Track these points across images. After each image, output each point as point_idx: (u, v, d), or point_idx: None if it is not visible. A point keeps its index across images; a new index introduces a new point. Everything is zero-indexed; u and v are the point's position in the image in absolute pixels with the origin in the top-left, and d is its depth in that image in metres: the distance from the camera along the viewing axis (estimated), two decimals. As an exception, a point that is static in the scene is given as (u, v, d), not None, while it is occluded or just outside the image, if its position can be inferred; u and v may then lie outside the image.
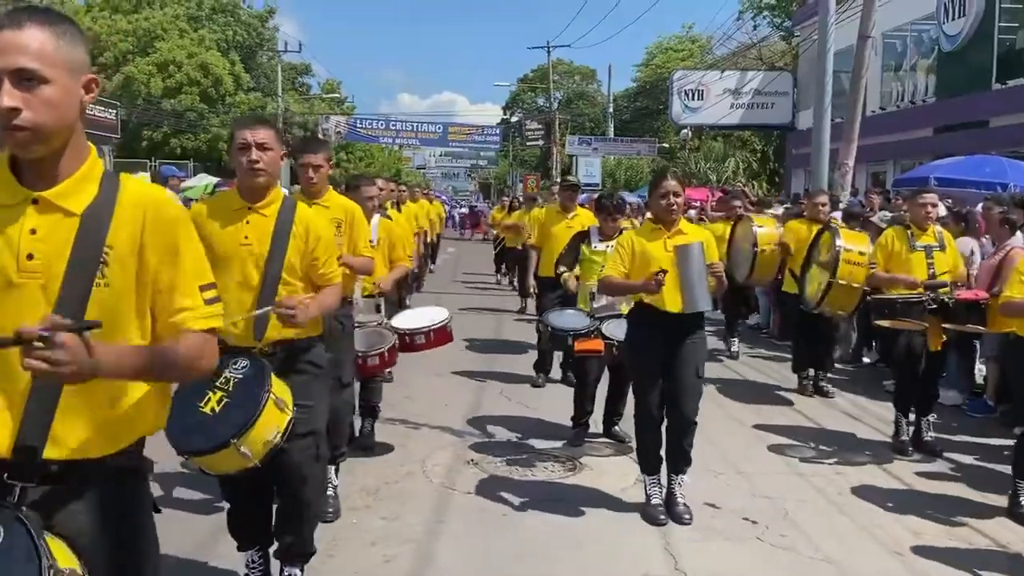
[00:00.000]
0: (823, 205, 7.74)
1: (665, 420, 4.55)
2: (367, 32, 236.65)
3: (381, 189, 7.40)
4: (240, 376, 2.87)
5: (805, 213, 8.10)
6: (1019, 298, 4.48)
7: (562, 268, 6.11)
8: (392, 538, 4.21)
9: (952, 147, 17.16)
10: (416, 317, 5.44)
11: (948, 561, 4.08)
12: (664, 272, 4.21)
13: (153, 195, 1.79)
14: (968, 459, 5.78)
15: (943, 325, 5.64)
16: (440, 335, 5.31)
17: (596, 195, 6.65)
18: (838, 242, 6.55)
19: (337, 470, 4.55)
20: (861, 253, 6.52)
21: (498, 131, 41.51)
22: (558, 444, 5.84)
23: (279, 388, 2.90)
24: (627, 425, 5.33)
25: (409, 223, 8.91)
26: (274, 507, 3.44)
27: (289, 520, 3.37)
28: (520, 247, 11.51)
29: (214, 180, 13.59)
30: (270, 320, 3.04)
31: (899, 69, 21.96)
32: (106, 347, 1.61)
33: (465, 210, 40.30)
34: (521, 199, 13.91)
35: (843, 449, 5.95)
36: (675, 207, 4.49)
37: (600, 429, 6.01)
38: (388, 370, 6.19)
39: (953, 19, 18.12)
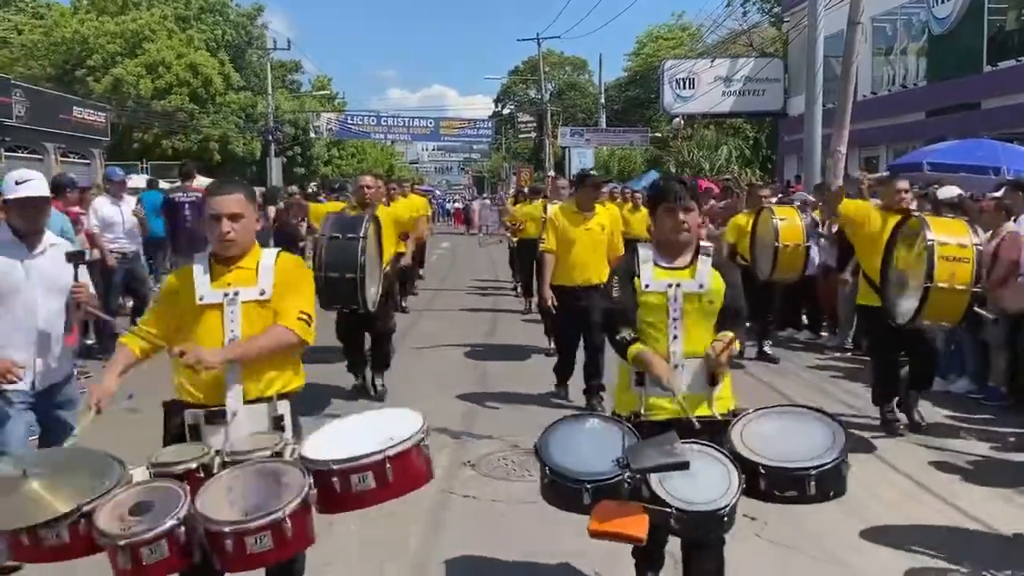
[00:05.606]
0: (905, 192, 6.01)
1: None
2: (356, 27, 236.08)
3: (369, 187, 7.34)
4: None
5: (881, 202, 6.31)
6: None
7: (625, 333, 3.24)
8: (391, 544, 4.21)
9: (944, 130, 17.16)
10: (355, 431, 2.90)
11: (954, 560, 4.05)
12: None
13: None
14: (981, 447, 5.75)
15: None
16: (405, 468, 2.74)
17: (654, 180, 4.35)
18: (929, 235, 5.01)
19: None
20: (961, 245, 5.01)
21: (490, 124, 41.40)
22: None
23: None
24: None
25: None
26: None
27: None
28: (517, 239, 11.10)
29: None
30: None
31: (889, 53, 21.92)
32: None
33: (459, 205, 40.22)
34: (526, 192, 13.22)
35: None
36: None
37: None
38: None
39: (943, 1, 18.08)
